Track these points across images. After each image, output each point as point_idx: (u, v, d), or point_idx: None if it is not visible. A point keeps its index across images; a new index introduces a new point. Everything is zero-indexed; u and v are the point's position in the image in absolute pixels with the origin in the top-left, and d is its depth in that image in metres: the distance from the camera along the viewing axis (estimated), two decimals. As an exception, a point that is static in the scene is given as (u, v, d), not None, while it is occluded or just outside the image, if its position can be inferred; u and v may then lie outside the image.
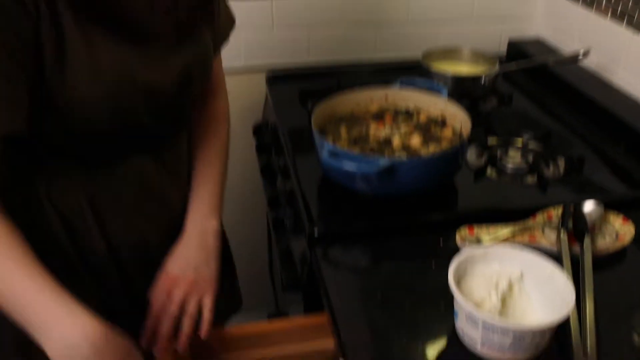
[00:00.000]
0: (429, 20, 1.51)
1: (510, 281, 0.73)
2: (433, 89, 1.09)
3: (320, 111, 1.02)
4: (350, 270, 0.86)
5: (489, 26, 1.55)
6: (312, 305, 0.90)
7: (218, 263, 0.86)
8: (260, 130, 1.42)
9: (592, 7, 1.32)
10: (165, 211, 0.87)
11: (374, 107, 1.09)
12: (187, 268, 0.82)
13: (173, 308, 0.80)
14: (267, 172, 1.27)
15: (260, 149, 1.36)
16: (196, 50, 0.81)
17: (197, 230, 0.86)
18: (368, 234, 0.90)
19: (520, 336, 0.65)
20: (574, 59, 1.30)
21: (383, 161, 0.87)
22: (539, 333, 0.66)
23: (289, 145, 1.14)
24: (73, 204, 0.77)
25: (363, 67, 1.50)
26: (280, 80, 1.43)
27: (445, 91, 1.08)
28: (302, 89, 1.34)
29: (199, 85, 0.86)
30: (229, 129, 0.97)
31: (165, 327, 0.80)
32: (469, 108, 1.02)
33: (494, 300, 0.70)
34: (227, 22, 0.94)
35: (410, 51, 1.51)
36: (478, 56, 1.36)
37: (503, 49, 1.56)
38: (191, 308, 0.80)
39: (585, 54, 1.28)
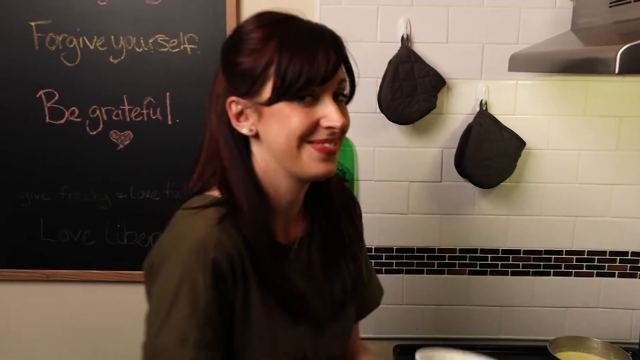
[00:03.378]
0: (553, 305, 1.55)
1: None
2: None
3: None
4: None
5: (617, 316, 1.56)
6: None
7: None
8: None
9: None
10: None
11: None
12: None
13: None
14: None
15: None
16: (342, 324, 0.93)
17: None
18: None
19: None
20: None
21: None
22: None
23: None
24: None
25: (488, 346, 1.53)
26: (407, 352, 1.49)
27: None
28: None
29: (339, 348, 0.94)
30: None
31: None
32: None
33: None
34: (378, 293, 1.06)
35: (535, 334, 1.54)
36: (609, 349, 1.35)
37: (635, 339, 1.53)
38: None
39: None
